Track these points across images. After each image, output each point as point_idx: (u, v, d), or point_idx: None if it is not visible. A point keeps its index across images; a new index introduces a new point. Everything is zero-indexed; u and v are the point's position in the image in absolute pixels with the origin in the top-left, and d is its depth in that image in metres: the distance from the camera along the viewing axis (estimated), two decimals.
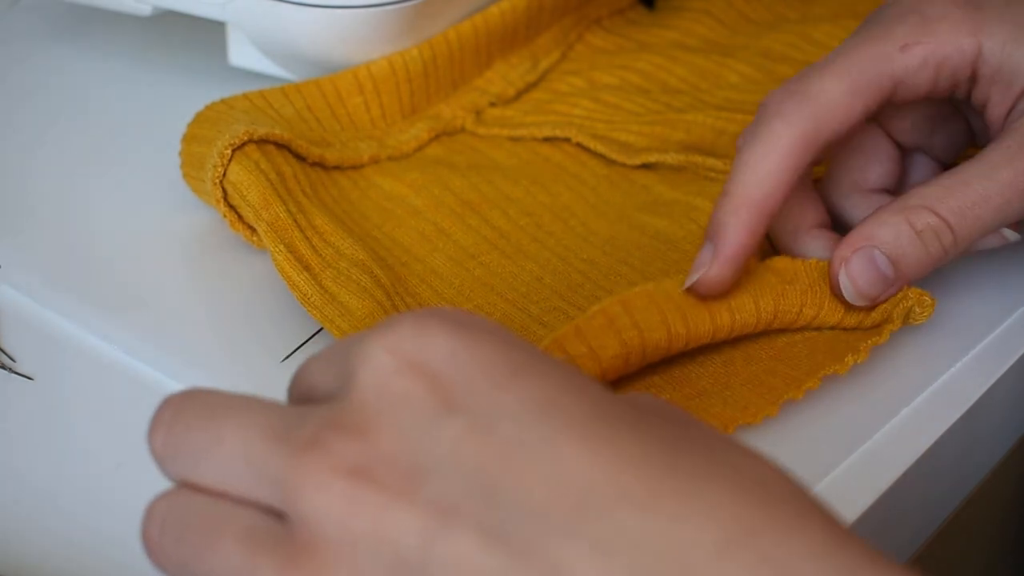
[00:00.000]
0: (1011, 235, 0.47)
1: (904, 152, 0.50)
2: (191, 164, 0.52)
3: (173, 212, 0.54)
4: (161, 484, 0.44)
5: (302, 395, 0.35)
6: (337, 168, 0.54)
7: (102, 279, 0.51)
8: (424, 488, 0.30)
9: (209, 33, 0.61)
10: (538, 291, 0.49)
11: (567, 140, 0.57)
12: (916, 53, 0.46)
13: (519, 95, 0.60)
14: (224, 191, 0.50)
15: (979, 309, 0.49)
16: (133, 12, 0.59)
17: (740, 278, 0.45)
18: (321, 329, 0.48)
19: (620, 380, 0.45)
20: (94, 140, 0.59)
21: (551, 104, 0.59)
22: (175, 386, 0.47)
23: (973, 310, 0.49)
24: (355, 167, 0.55)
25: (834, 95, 0.45)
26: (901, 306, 0.46)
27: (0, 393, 0.47)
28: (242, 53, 0.59)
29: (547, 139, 0.58)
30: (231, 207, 0.51)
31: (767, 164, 0.45)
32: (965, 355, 0.47)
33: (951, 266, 0.51)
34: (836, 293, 0.46)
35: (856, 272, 0.45)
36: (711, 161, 0.55)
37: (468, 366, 0.31)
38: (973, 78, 0.47)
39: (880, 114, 0.48)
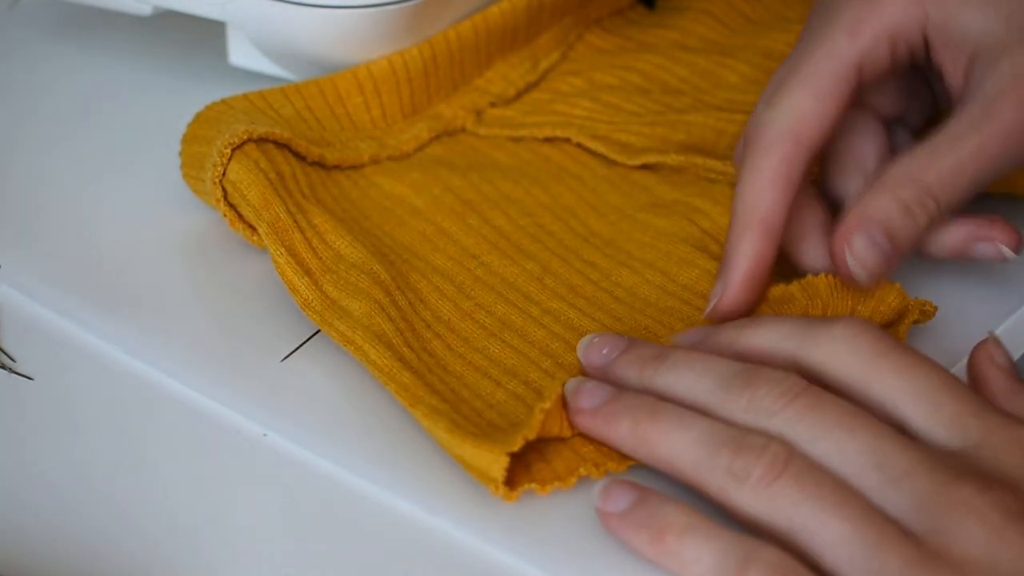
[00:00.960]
0: (1008, 252, 0.48)
1: (886, 124, 0.51)
2: (191, 164, 0.52)
3: (173, 212, 0.54)
4: (159, 486, 0.44)
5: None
6: (337, 168, 0.54)
7: (102, 279, 0.51)
8: None
9: (209, 33, 0.61)
10: (538, 292, 0.49)
11: (567, 140, 0.57)
12: (865, 34, 0.47)
13: (519, 95, 0.60)
14: (224, 190, 0.50)
15: (979, 309, 0.49)
16: (133, 12, 0.59)
17: (757, 301, 0.47)
18: (319, 330, 0.48)
19: None
20: (94, 140, 0.59)
21: (551, 104, 0.59)
22: (175, 386, 0.47)
23: (973, 310, 0.49)
24: (355, 167, 0.55)
25: (803, 108, 0.47)
26: (906, 321, 0.46)
27: (0, 393, 0.47)
28: (242, 53, 0.59)
29: (547, 139, 0.58)
30: (231, 206, 0.50)
31: (756, 192, 0.46)
32: (965, 355, 0.47)
33: (951, 267, 0.51)
34: (843, 274, 0.46)
35: (860, 253, 0.46)
36: (712, 162, 0.55)
37: None
38: (926, 45, 0.48)
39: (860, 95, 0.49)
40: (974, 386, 0.44)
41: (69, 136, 0.59)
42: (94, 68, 0.63)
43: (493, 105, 0.59)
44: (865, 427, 0.39)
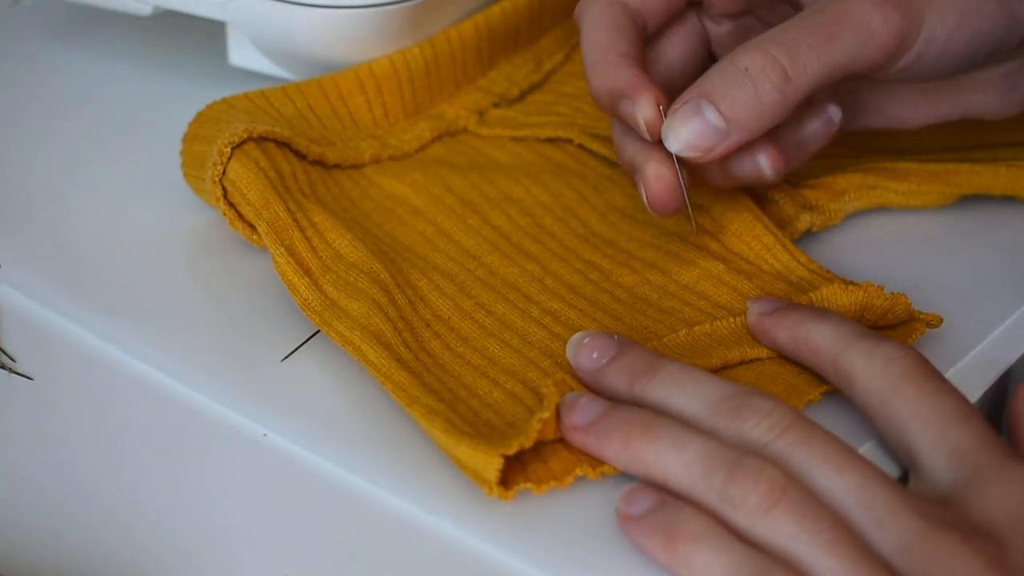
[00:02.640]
0: (835, 113, 0.49)
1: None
2: (192, 163, 0.52)
3: (173, 212, 0.54)
4: (159, 486, 0.44)
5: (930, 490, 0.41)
6: (337, 167, 0.54)
7: (102, 279, 0.51)
8: None
9: (209, 33, 0.61)
10: (538, 292, 0.49)
11: (569, 141, 0.57)
12: None
13: (523, 96, 0.60)
14: (224, 189, 0.50)
15: (979, 309, 0.49)
16: (133, 12, 0.59)
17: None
18: (320, 330, 0.48)
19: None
20: (94, 140, 0.59)
21: (554, 106, 0.59)
22: (175, 386, 0.47)
23: (973, 310, 0.49)
24: (355, 166, 0.55)
25: None
26: (914, 335, 0.46)
27: (0, 393, 0.47)
28: (242, 53, 0.59)
29: (549, 140, 0.58)
30: (231, 205, 0.50)
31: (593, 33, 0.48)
32: (965, 355, 0.48)
33: (950, 266, 0.51)
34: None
35: (679, 120, 0.45)
36: None
37: None
38: None
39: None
40: (1012, 429, 0.44)
41: (69, 136, 0.59)
42: (94, 68, 0.63)
43: (496, 105, 0.59)
44: (853, 466, 0.40)
